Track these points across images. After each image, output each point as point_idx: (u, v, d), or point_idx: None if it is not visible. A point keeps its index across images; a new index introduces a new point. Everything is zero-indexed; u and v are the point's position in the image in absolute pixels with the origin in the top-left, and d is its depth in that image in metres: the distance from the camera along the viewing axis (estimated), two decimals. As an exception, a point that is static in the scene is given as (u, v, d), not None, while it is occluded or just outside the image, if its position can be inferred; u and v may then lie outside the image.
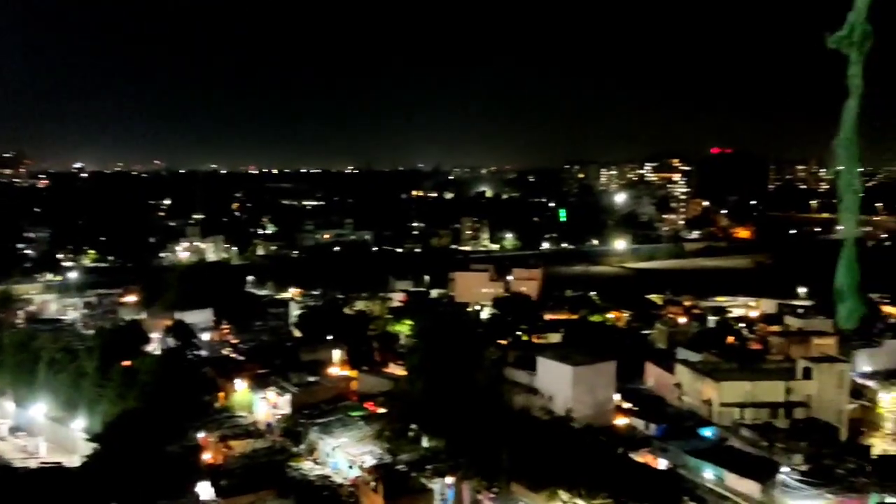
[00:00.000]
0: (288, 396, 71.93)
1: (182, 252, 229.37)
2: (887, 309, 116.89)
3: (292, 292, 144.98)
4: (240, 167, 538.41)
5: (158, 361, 72.28)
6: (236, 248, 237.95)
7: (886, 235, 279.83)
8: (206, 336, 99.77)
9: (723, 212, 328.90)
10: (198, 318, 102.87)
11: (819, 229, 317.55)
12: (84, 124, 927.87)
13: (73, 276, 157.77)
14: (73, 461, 55.54)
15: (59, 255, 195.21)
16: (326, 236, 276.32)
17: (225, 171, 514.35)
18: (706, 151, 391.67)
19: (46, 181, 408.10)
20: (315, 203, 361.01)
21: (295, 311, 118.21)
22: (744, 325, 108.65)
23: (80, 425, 62.54)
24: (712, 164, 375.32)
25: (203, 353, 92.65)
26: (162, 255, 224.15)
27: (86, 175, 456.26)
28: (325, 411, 68.07)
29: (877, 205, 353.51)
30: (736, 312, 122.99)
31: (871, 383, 77.28)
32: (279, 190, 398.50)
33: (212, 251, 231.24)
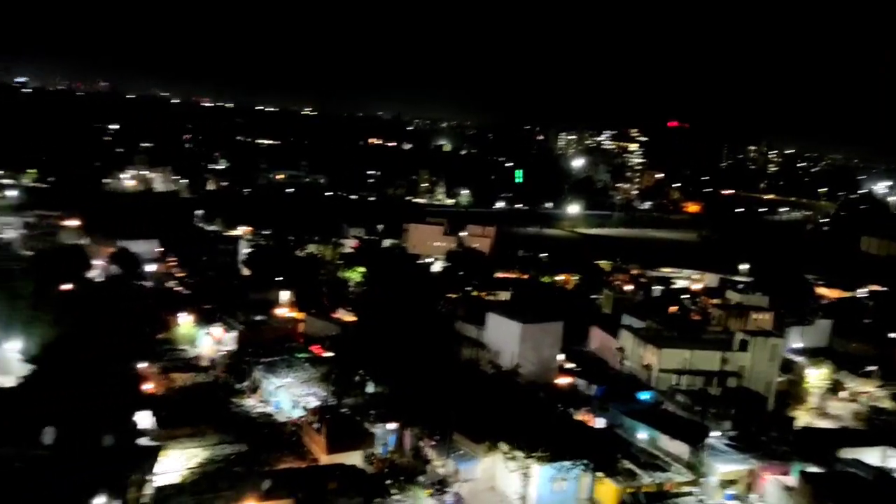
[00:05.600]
0: (234, 333, 71.14)
1: (128, 180, 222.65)
2: (821, 290, 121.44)
3: (242, 230, 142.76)
4: (192, 98, 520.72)
5: (101, 288, 70.32)
6: (186, 181, 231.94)
7: (826, 220, 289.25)
8: (151, 267, 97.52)
9: (675, 185, 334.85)
10: (143, 248, 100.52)
11: (765, 209, 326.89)
12: (25, 36, 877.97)
13: (11, 194, 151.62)
14: (8, 382, 54.01)
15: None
16: (280, 176, 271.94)
17: (177, 101, 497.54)
18: (664, 124, 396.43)
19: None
20: (270, 142, 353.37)
21: (244, 250, 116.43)
22: (687, 296, 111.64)
23: (15, 346, 60.63)
24: (669, 137, 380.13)
25: (147, 283, 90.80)
26: (106, 180, 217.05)
27: (29, 91, 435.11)
28: (270, 351, 67.41)
29: (820, 190, 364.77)
30: (680, 284, 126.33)
31: (800, 359, 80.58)
32: (234, 125, 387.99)
33: (159, 181, 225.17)
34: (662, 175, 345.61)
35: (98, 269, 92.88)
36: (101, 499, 35.32)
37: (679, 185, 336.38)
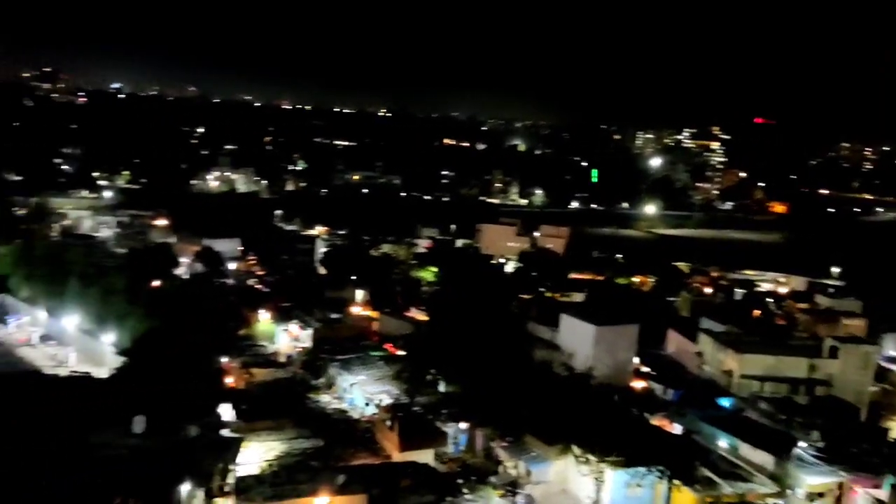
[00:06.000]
0: (310, 331, 72.80)
1: (212, 181, 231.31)
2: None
3: (319, 230, 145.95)
4: (273, 101, 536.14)
5: (187, 285, 73.17)
6: (266, 182, 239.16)
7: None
8: (232, 265, 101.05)
9: (760, 184, 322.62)
10: (226, 246, 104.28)
11: (859, 210, 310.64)
12: (121, 45, 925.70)
13: (108, 195, 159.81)
14: (102, 373, 56.85)
15: (95, 174, 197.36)
16: (356, 177, 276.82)
17: (259, 105, 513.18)
18: (748, 121, 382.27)
19: (85, 99, 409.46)
20: (347, 143, 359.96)
21: (321, 249, 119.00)
22: (771, 300, 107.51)
23: (109, 339, 63.82)
24: (754, 135, 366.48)
25: (229, 281, 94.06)
26: (193, 181, 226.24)
27: (123, 96, 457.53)
28: (345, 348, 68.55)
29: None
30: (764, 287, 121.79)
31: (896, 368, 76.34)
32: (312, 127, 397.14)
33: (242, 182, 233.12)
34: (745, 174, 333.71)
35: (184, 266, 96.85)
36: (186, 486, 36.67)
37: (764, 184, 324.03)
